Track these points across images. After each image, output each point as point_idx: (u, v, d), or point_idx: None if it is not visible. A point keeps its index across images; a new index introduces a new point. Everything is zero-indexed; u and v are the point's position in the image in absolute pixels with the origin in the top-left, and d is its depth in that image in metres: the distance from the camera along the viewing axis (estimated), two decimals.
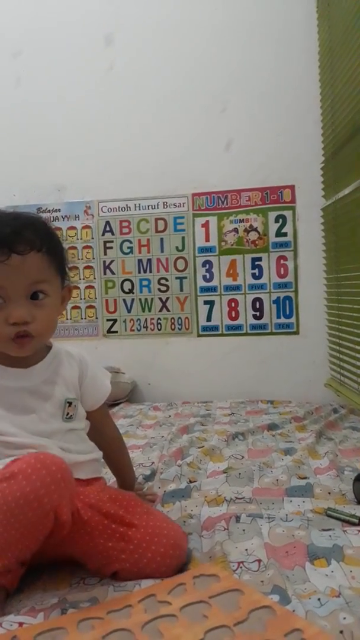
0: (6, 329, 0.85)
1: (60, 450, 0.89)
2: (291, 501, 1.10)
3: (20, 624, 0.70)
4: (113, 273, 2.52)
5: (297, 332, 2.36)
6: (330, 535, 0.89)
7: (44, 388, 0.93)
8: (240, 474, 1.25)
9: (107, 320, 2.53)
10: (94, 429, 1.02)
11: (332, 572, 0.79)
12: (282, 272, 2.36)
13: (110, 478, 1.12)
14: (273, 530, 0.92)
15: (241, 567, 0.82)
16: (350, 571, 0.79)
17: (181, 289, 2.45)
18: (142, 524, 0.84)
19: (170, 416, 2.00)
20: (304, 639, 0.63)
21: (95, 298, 2.54)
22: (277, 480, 1.22)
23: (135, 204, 2.48)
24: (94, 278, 2.54)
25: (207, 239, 2.43)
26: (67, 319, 2.57)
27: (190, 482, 1.23)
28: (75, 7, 2.48)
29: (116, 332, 2.51)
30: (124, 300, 2.51)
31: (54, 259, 0.88)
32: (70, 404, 0.95)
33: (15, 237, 0.83)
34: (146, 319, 2.48)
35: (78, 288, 2.55)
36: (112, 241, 2.52)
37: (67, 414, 0.94)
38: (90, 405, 1.01)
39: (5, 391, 0.90)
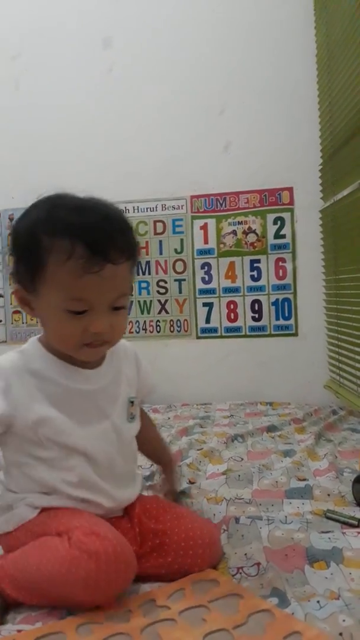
0: (84, 336, 0.79)
1: (123, 462, 0.88)
2: (290, 503, 1.10)
3: (19, 632, 0.70)
4: None
5: (296, 334, 2.36)
6: (329, 538, 0.89)
7: (112, 388, 0.89)
8: (239, 475, 1.25)
9: None
10: (147, 429, 1.00)
11: (332, 574, 0.79)
12: (280, 274, 2.36)
13: None
14: (272, 533, 0.91)
15: (240, 573, 0.82)
16: (350, 573, 0.79)
17: (180, 291, 2.45)
18: (174, 531, 0.84)
19: (169, 418, 2.00)
20: None
21: None
22: (277, 482, 1.22)
23: (133, 206, 2.48)
24: None
25: (206, 241, 2.43)
26: None
27: (190, 482, 1.23)
28: (74, 9, 2.48)
29: None
30: None
31: (134, 263, 0.82)
32: (132, 402, 0.91)
33: (111, 245, 0.75)
34: (145, 321, 2.48)
35: None
36: None
37: (131, 414, 0.91)
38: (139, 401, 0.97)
39: (79, 395, 0.84)
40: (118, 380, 0.89)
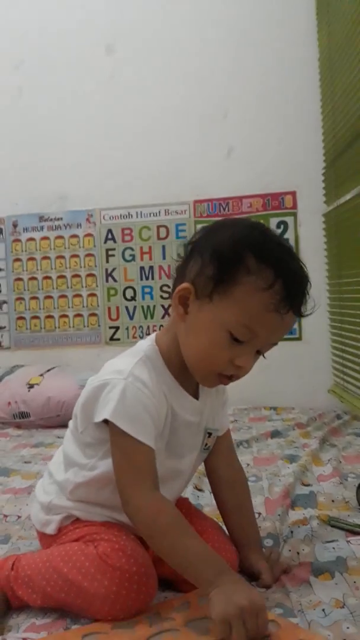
0: (227, 366, 0.77)
1: (182, 487, 0.88)
2: (294, 510, 1.10)
3: None
4: (115, 280, 2.53)
5: (299, 338, 2.36)
6: (333, 548, 0.89)
7: (203, 421, 0.87)
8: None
9: (110, 327, 2.54)
10: (211, 463, 0.93)
11: (336, 584, 0.79)
12: None
13: None
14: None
15: None
16: (354, 582, 0.79)
17: None
18: None
19: None
20: None
21: (98, 306, 2.55)
22: (284, 489, 1.21)
23: (136, 212, 2.49)
24: (96, 286, 2.55)
25: None
26: (69, 327, 2.58)
27: (197, 489, 1.23)
28: (76, 17, 2.50)
29: (119, 339, 2.52)
30: (126, 308, 2.52)
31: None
32: (210, 434, 0.88)
33: (302, 296, 0.77)
34: (148, 326, 2.48)
35: None
36: (114, 249, 2.53)
37: (206, 444, 0.88)
38: (220, 433, 0.92)
39: (184, 426, 0.82)
40: (202, 410, 0.87)
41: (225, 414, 0.95)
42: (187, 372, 0.82)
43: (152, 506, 0.74)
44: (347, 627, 0.69)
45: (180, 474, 0.86)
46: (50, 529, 0.85)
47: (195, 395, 0.85)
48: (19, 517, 1.13)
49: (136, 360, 0.79)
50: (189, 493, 1.18)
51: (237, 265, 0.73)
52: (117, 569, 0.72)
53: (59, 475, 0.87)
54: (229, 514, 0.90)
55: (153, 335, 0.85)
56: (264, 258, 0.73)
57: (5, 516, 1.15)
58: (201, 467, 1.25)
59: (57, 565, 0.76)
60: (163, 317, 2.47)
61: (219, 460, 0.92)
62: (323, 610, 0.73)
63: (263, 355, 0.80)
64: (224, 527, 0.91)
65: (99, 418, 0.77)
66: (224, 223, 0.83)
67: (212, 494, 0.95)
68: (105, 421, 0.77)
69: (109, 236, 2.53)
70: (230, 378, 0.79)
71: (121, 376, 0.77)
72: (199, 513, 0.94)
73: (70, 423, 0.88)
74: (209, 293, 0.75)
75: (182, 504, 0.91)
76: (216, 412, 0.90)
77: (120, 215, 2.51)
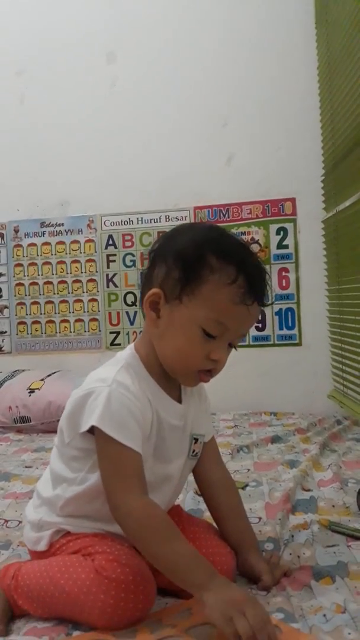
0: (204, 362, 0.80)
1: (172, 496, 0.88)
2: (295, 514, 1.10)
3: None
4: (116, 286, 2.54)
5: (299, 344, 2.37)
6: (334, 552, 0.89)
7: (188, 425, 0.88)
8: (250, 495, 1.23)
9: (110, 333, 2.54)
10: (200, 470, 0.93)
11: (337, 588, 0.80)
12: (284, 284, 2.37)
13: None
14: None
15: (248, 591, 0.81)
16: (355, 587, 0.80)
17: None
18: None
19: None
20: None
21: (99, 311, 2.56)
22: (285, 493, 1.22)
23: (137, 218, 2.50)
24: (97, 291, 2.56)
25: None
26: (70, 332, 2.58)
27: (197, 493, 1.23)
28: (78, 25, 2.52)
29: (119, 344, 2.52)
30: (127, 313, 2.53)
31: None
32: (196, 440, 0.89)
33: (264, 287, 0.81)
34: None
35: None
36: (114, 254, 2.54)
37: (193, 451, 0.88)
38: (206, 438, 0.93)
39: (170, 431, 0.84)
40: (186, 414, 0.88)
41: (209, 420, 0.97)
42: (168, 377, 0.84)
43: (142, 511, 0.74)
44: (349, 633, 0.69)
45: (169, 479, 0.86)
46: (42, 546, 0.84)
47: (179, 400, 0.87)
48: (20, 522, 1.13)
49: (118, 368, 0.81)
50: (189, 498, 1.19)
51: (200, 265, 0.77)
52: (112, 580, 0.72)
53: (46, 492, 0.87)
54: (225, 518, 0.90)
55: (132, 344, 0.88)
56: (225, 256, 0.78)
57: (6, 521, 1.15)
58: None
59: (54, 577, 0.76)
60: None
61: (209, 466, 0.93)
62: (324, 615, 0.73)
63: (235, 348, 0.83)
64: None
65: (85, 426, 0.77)
66: (182, 228, 0.87)
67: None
68: (91, 431, 0.77)
69: (110, 242, 2.54)
70: (209, 373, 0.82)
71: (105, 384, 0.78)
72: (192, 519, 0.94)
73: (56, 439, 0.88)
74: (178, 295, 0.78)
75: (174, 511, 0.91)
76: (200, 418, 0.91)
77: (121, 222, 2.52)
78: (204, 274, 0.77)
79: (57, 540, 0.83)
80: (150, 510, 0.75)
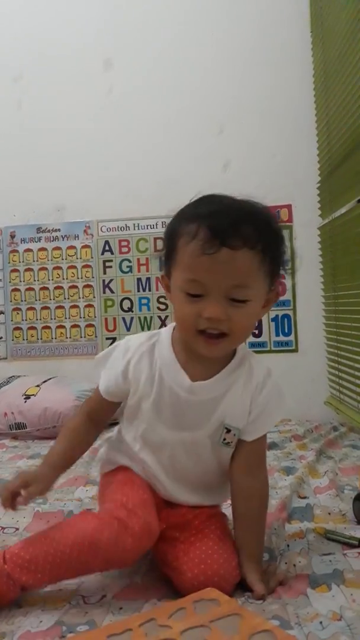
0: (198, 321, 0.79)
1: (202, 475, 0.93)
2: (291, 523, 1.09)
3: None
4: (112, 292, 2.54)
5: (295, 350, 2.37)
6: (330, 560, 0.89)
7: (211, 404, 0.87)
8: None
9: (107, 339, 2.54)
10: (230, 474, 0.91)
11: (333, 596, 0.79)
12: (280, 290, 2.37)
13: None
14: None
15: (245, 598, 0.81)
16: (351, 594, 0.79)
17: None
18: (189, 557, 0.83)
19: None
20: None
21: (95, 317, 2.56)
22: (281, 502, 1.21)
23: (134, 224, 2.51)
24: (94, 297, 2.56)
25: None
26: (66, 337, 2.58)
27: None
28: (75, 32, 2.53)
29: None
30: (123, 319, 2.53)
31: (267, 259, 0.80)
32: (229, 430, 0.88)
33: (232, 230, 0.76)
34: None
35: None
36: (111, 260, 2.54)
37: (224, 439, 0.88)
38: (245, 437, 0.90)
39: (178, 401, 0.88)
40: (221, 399, 0.87)
41: (261, 425, 0.90)
42: (190, 354, 0.87)
43: (69, 421, 0.99)
44: None
45: (175, 447, 0.90)
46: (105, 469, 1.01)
47: (204, 378, 0.87)
48: (17, 529, 1.12)
49: (147, 334, 0.93)
50: None
51: (171, 236, 0.83)
52: (120, 519, 0.80)
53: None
54: (236, 527, 0.90)
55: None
56: (188, 218, 0.81)
57: (3, 528, 1.14)
58: None
59: (54, 534, 0.82)
60: (160, 328, 2.47)
61: (238, 473, 0.90)
62: (320, 622, 0.73)
63: (242, 302, 0.79)
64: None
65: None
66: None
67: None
68: None
69: (106, 248, 2.54)
70: (219, 336, 0.80)
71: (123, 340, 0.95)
72: (213, 521, 0.91)
73: None
74: (169, 271, 0.85)
75: (199, 513, 0.91)
76: (237, 411, 0.88)
77: (118, 227, 2.53)
78: (177, 244, 0.81)
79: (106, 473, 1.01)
80: (69, 422, 0.98)
